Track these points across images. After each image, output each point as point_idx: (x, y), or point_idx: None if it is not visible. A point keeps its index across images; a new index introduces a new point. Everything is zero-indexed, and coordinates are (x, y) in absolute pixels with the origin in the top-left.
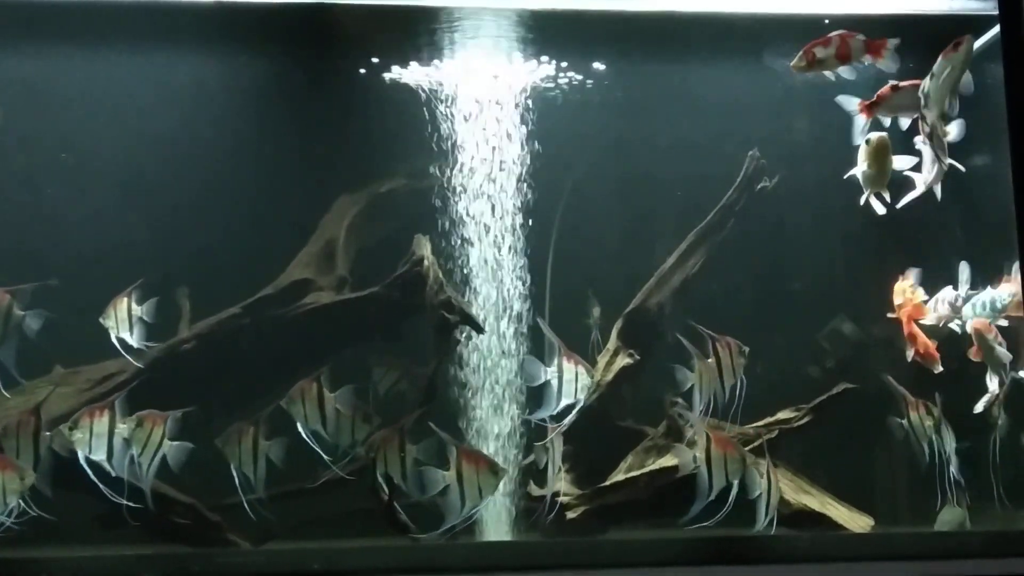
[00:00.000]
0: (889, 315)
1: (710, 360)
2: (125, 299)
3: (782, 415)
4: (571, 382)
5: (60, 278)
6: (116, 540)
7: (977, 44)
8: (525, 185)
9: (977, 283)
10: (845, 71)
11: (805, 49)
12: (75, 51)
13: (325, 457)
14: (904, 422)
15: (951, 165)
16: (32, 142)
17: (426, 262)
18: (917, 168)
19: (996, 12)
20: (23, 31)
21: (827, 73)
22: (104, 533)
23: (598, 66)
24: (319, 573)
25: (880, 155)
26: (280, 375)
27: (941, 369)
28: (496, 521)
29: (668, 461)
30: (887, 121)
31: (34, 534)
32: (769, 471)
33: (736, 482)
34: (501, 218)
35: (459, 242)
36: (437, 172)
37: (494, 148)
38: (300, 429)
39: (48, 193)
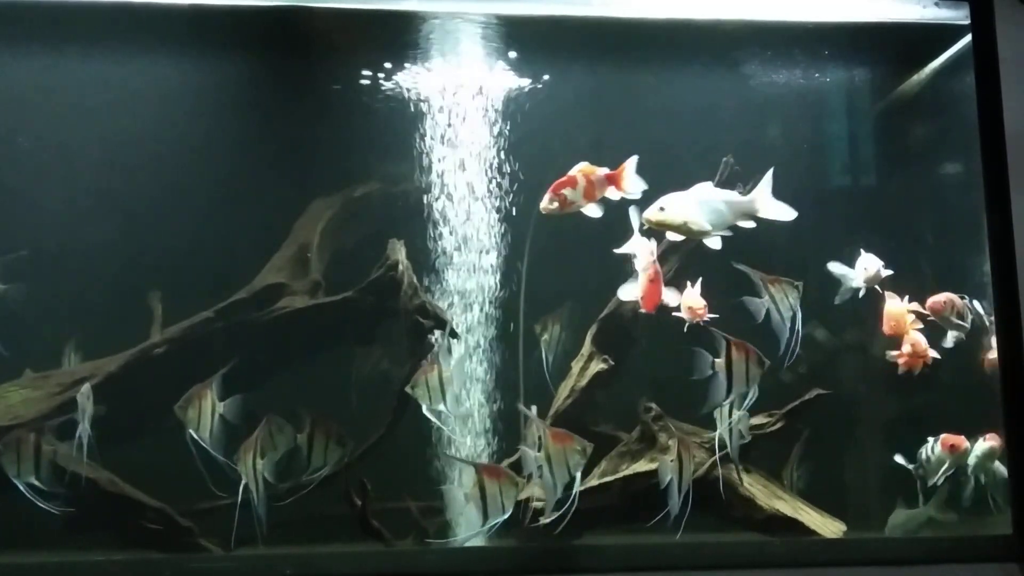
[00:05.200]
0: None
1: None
2: None
3: (755, 420)
4: None
5: (30, 281)
6: (86, 546)
7: (948, 53)
8: (499, 190)
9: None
10: (592, 209)
11: (553, 191)
12: (50, 51)
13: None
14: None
15: None
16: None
17: (400, 266)
18: None
19: (968, 21)
20: None
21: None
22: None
23: (571, 72)
24: None
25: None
26: (253, 380)
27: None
28: None
29: (642, 466)
30: None
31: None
32: (681, 458)
33: (578, 474)
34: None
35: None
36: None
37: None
38: (191, 434)
39: (19, 194)
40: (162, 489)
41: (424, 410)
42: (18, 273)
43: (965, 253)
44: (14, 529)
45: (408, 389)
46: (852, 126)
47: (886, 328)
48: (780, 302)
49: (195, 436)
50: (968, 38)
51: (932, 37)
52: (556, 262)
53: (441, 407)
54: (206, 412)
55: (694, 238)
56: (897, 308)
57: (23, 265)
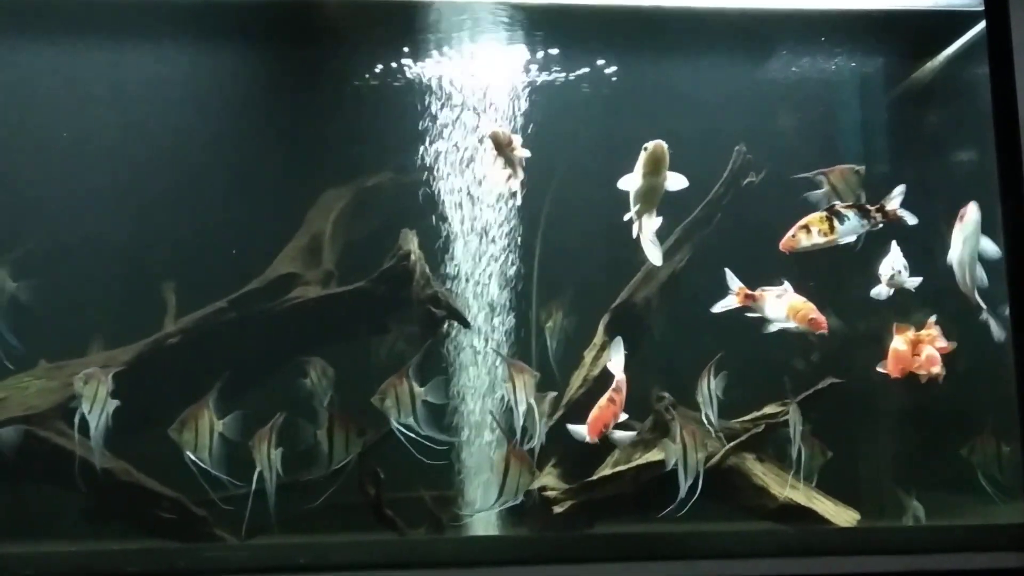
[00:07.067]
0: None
1: None
2: None
3: (768, 409)
4: None
5: (45, 272)
6: (101, 535)
7: (962, 40)
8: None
9: None
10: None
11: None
12: (62, 45)
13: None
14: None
15: None
16: (18, 135)
17: (413, 257)
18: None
19: (982, 8)
20: (10, 25)
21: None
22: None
23: (587, 60)
24: (305, 568)
25: (655, 166)
26: (266, 369)
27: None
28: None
29: (655, 456)
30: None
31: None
32: (683, 438)
33: None
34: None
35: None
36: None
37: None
38: (188, 456)
39: (35, 186)
40: (176, 479)
41: (393, 424)
42: (31, 266)
43: None
44: (32, 518)
45: (375, 401)
46: (865, 114)
47: (890, 367)
48: (842, 188)
49: (193, 458)
50: (982, 25)
51: (946, 24)
52: (565, 250)
53: (410, 421)
54: (203, 432)
55: (638, 187)
56: (902, 349)
57: (36, 258)
